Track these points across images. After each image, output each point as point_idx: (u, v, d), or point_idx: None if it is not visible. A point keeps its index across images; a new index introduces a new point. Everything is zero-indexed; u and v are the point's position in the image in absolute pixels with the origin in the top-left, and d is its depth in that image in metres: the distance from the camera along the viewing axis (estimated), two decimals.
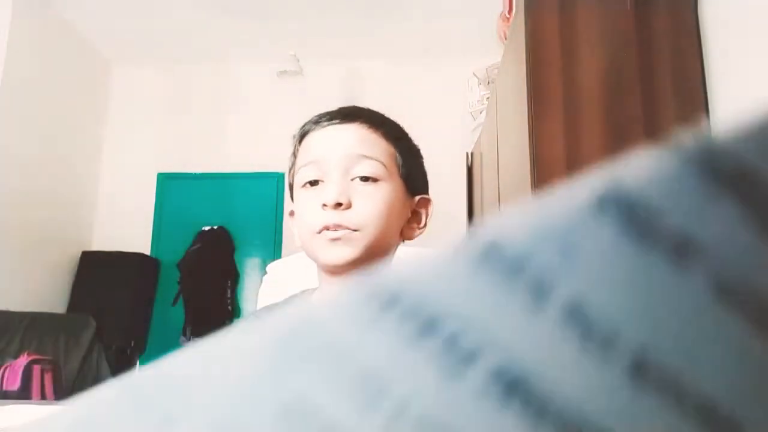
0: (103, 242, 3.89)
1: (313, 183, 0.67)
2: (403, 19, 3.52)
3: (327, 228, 0.64)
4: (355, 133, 0.68)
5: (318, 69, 3.88)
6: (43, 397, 2.48)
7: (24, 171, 3.29)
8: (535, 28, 1.86)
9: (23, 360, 2.57)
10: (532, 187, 1.74)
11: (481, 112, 3.17)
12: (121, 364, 3.37)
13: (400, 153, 0.70)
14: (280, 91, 3.94)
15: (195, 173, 4.06)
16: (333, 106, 0.72)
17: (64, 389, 2.66)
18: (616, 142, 1.75)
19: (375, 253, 0.66)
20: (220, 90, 4.12)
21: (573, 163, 1.75)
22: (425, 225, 0.73)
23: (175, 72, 4.14)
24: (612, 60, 1.81)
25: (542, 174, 1.75)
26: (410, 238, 0.72)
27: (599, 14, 1.84)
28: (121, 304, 3.53)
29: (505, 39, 2.54)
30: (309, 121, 0.72)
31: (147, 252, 3.89)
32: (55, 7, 3.43)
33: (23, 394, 2.45)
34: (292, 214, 0.74)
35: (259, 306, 1.01)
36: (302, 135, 0.72)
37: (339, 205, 0.64)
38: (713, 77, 1.76)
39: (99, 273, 3.65)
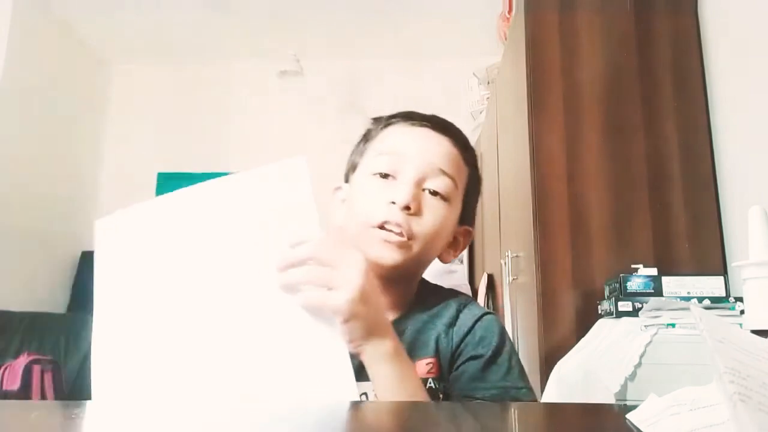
0: None
1: (384, 176, 0.66)
2: (403, 19, 3.52)
3: (387, 224, 0.63)
4: (444, 147, 0.68)
5: (318, 69, 3.87)
6: (43, 397, 2.48)
7: (24, 171, 3.29)
8: (535, 28, 1.86)
9: (23, 360, 2.56)
10: (532, 187, 1.74)
11: (481, 112, 3.17)
12: None
13: (470, 181, 0.71)
14: (280, 91, 3.93)
15: (195, 173, 4.05)
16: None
17: (64, 389, 2.66)
18: (616, 142, 1.75)
19: (415, 265, 0.66)
20: (220, 90, 4.11)
21: (573, 163, 1.74)
22: (459, 252, 0.73)
23: (174, 72, 4.13)
24: (612, 60, 1.81)
25: (542, 174, 1.74)
26: (445, 262, 0.72)
27: (599, 14, 1.84)
28: None
29: (505, 39, 2.54)
30: (398, 114, 0.71)
31: None
32: (55, 7, 3.43)
33: (23, 394, 2.44)
34: (339, 189, 0.72)
35: None
36: (388, 122, 0.71)
37: (407, 208, 0.63)
38: (713, 77, 1.76)
39: None
